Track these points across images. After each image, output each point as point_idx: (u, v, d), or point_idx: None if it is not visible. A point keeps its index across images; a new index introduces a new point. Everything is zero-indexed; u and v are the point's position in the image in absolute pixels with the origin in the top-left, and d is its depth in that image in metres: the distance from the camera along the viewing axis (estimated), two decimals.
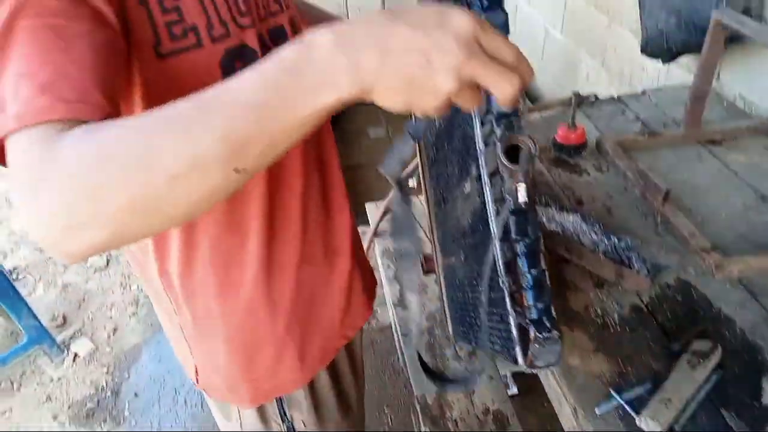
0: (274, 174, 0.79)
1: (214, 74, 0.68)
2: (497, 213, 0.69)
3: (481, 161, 0.72)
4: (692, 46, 1.61)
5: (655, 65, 2.06)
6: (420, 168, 1.21)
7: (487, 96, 0.63)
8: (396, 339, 1.54)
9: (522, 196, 0.66)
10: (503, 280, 0.70)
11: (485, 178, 0.72)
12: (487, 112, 0.71)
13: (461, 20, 0.42)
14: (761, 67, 1.59)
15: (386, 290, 1.58)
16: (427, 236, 1.37)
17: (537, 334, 0.65)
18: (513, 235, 0.67)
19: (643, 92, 1.78)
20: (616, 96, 1.77)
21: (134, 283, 2.73)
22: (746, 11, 1.45)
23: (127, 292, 2.69)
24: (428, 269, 1.39)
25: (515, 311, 0.69)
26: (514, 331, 0.70)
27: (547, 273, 0.68)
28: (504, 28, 0.63)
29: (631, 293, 1.09)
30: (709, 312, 1.04)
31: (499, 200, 0.69)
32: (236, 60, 0.69)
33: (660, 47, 1.70)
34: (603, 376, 0.95)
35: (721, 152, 1.46)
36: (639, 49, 1.79)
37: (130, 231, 0.47)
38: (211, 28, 0.66)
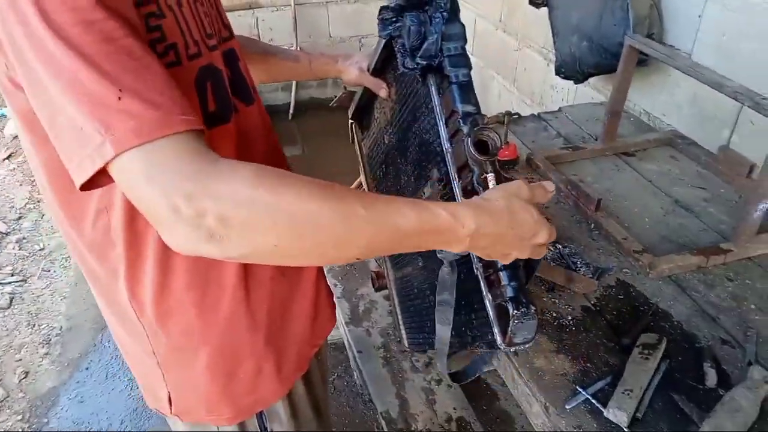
0: None
1: (190, 89, 0.72)
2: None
3: (449, 158, 0.80)
4: (602, 68, 1.78)
5: (563, 85, 2.24)
6: (365, 185, 1.24)
7: (452, 97, 0.74)
8: (351, 357, 1.55)
9: (492, 185, 0.74)
10: (476, 267, 0.76)
11: (453, 174, 0.79)
12: (451, 113, 0.79)
13: (543, 237, 0.67)
14: (662, 85, 1.78)
15: (337, 308, 1.59)
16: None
17: (515, 310, 0.71)
18: None
19: (560, 110, 1.93)
20: (536, 113, 1.91)
21: (43, 321, 2.53)
22: (650, 36, 1.62)
23: (36, 332, 2.49)
24: (379, 286, 1.41)
25: (492, 294, 0.75)
26: (491, 313, 0.75)
27: None
28: (462, 38, 0.78)
29: (580, 296, 1.19)
30: (649, 307, 1.16)
31: (469, 191, 0.76)
32: (207, 79, 0.74)
33: (573, 69, 1.86)
34: (567, 374, 1.03)
35: (635, 162, 1.62)
36: (547, 69, 1.95)
37: (258, 259, 0.58)
38: (187, 47, 0.70)
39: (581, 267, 1.23)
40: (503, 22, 2.64)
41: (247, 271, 0.84)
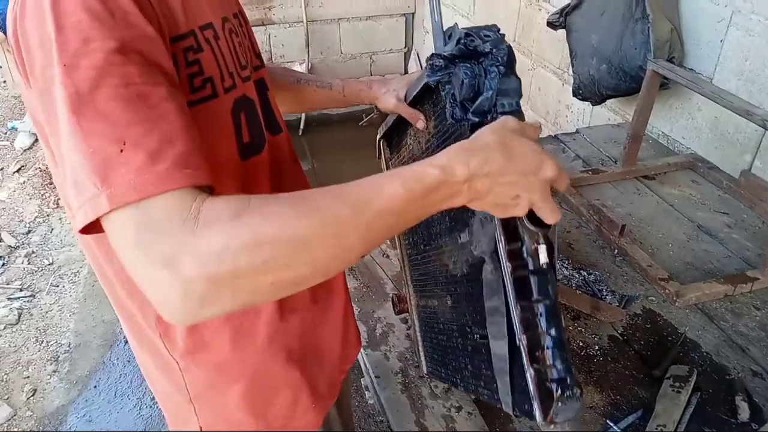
0: None
1: (227, 122, 0.71)
2: (513, 275, 0.72)
3: (496, 221, 0.75)
4: (622, 91, 1.77)
5: (578, 105, 2.23)
6: None
7: None
8: (369, 381, 1.52)
9: (543, 257, 0.68)
10: (519, 338, 0.72)
11: (499, 236, 0.74)
12: None
13: (551, 170, 0.58)
14: (682, 109, 1.77)
15: None
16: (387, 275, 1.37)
17: (561, 392, 0.67)
18: (534, 296, 0.69)
19: (577, 131, 1.92)
20: (553, 135, 1.90)
21: (51, 337, 2.51)
22: (670, 60, 1.61)
23: (44, 348, 2.47)
24: (400, 310, 1.39)
25: (534, 369, 0.71)
26: (532, 387, 0.71)
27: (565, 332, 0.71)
28: (518, 93, 0.72)
29: (606, 324, 1.16)
30: (677, 337, 1.13)
31: (519, 264, 0.72)
32: (241, 110, 0.73)
33: (591, 91, 1.85)
34: (596, 406, 1.00)
35: (655, 186, 1.60)
36: (562, 89, 1.94)
37: (261, 300, 0.55)
38: (222, 80, 0.69)
39: (607, 294, 1.21)
40: (517, 41, 2.64)
41: (281, 299, 0.82)
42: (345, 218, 0.53)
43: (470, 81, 0.74)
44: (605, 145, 1.81)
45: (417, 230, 1.15)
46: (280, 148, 0.84)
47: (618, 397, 1.02)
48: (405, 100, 0.96)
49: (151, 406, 2.21)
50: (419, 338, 1.35)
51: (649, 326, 1.16)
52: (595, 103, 1.88)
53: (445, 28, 0.83)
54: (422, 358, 1.38)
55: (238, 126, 0.72)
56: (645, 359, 1.09)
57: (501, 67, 0.73)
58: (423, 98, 0.93)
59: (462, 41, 0.77)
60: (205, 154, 0.56)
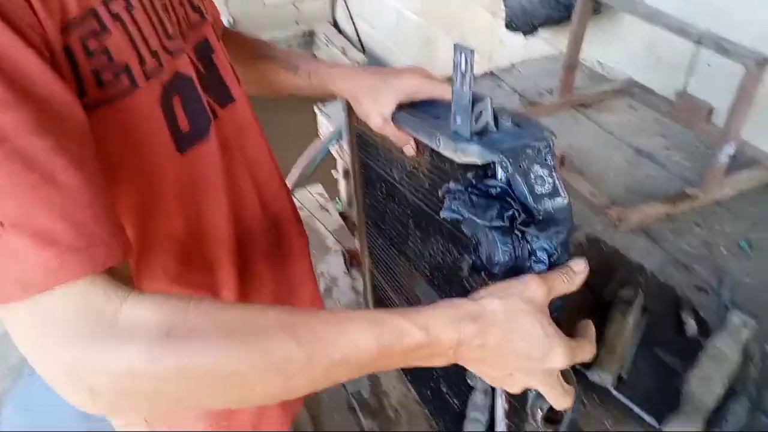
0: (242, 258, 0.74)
1: (155, 116, 0.57)
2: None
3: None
4: (554, 20, 1.72)
5: (513, 41, 2.17)
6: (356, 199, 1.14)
7: None
8: None
9: None
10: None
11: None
12: None
13: (559, 360, 0.50)
14: (614, 34, 1.74)
15: None
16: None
17: None
18: None
19: (512, 66, 1.86)
20: (488, 71, 1.84)
21: None
22: None
23: None
24: (352, 265, 1.32)
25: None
26: None
27: None
28: (564, 247, 0.58)
29: None
30: (622, 262, 1.12)
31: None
32: (173, 93, 0.59)
33: (523, 23, 1.79)
34: None
35: (593, 114, 1.58)
36: (496, 25, 1.88)
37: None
38: (143, 64, 0.54)
39: None
40: None
41: (242, 296, 0.74)
42: (298, 362, 0.45)
43: (510, 256, 0.58)
44: (541, 78, 1.77)
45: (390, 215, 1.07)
46: (233, 121, 0.70)
47: (569, 328, 0.99)
48: (393, 121, 0.77)
49: None
50: (371, 301, 1.30)
51: (594, 254, 1.14)
52: (527, 33, 1.83)
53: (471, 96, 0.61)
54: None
55: (171, 116, 0.58)
56: (592, 287, 1.06)
57: (555, 252, 0.57)
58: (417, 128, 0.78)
59: (505, 168, 0.58)
60: (113, 205, 0.46)
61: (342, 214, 1.72)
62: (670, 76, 1.54)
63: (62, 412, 2.01)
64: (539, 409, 0.64)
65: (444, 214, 0.64)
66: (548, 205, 0.58)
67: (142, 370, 0.41)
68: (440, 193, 0.67)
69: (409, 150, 0.79)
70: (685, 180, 1.33)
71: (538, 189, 0.58)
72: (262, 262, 0.77)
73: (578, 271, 0.55)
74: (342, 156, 1.55)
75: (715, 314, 1.01)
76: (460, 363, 0.52)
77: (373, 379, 1.28)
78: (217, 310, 0.45)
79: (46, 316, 0.41)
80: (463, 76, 0.60)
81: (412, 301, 1.04)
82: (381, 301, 1.25)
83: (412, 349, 0.48)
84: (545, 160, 0.59)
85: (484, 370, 0.53)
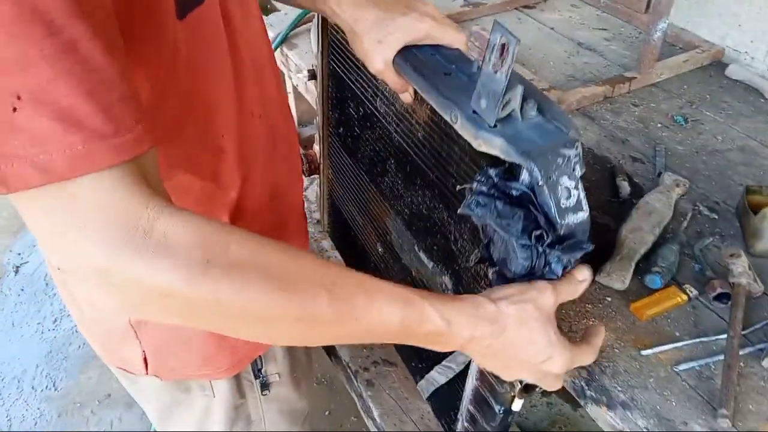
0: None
1: (218, 21, 0.59)
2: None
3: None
4: None
5: None
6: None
7: None
8: None
9: (516, 407, 0.74)
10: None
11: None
12: None
13: (557, 367, 0.57)
14: None
15: None
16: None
17: None
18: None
19: None
20: None
21: None
22: None
23: None
24: (310, 170, 1.31)
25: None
26: None
27: None
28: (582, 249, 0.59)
29: None
30: None
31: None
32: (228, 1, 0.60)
33: None
34: None
35: (536, 14, 1.58)
36: None
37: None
38: None
39: None
40: None
41: (239, 209, 0.72)
42: (326, 320, 0.46)
43: (526, 269, 0.58)
44: None
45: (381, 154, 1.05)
46: None
47: None
48: (395, 66, 0.70)
49: (53, 329, 2.08)
50: (325, 207, 1.30)
51: None
52: None
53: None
54: (325, 219, 1.33)
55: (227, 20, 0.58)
56: None
57: (569, 265, 0.59)
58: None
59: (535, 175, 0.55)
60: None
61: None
62: None
63: (26, 352, 1.99)
64: (519, 382, 0.68)
65: (464, 211, 0.62)
66: (571, 219, 0.57)
67: (176, 290, 0.40)
68: (458, 188, 0.64)
69: (407, 98, 0.75)
70: (624, 67, 1.35)
71: (564, 203, 0.56)
72: (260, 159, 0.75)
73: (582, 279, 0.59)
74: (288, 66, 1.53)
75: (649, 180, 1.04)
76: (465, 353, 0.57)
77: None
78: (257, 247, 0.44)
79: (72, 207, 0.38)
80: (501, 61, 0.55)
81: (377, 226, 1.04)
82: (336, 210, 1.25)
83: (430, 335, 0.52)
84: (573, 170, 0.57)
85: (485, 361, 0.59)
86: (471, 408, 0.85)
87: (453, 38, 0.70)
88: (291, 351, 0.93)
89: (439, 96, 0.65)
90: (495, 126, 0.58)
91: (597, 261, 0.90)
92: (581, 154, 0.58)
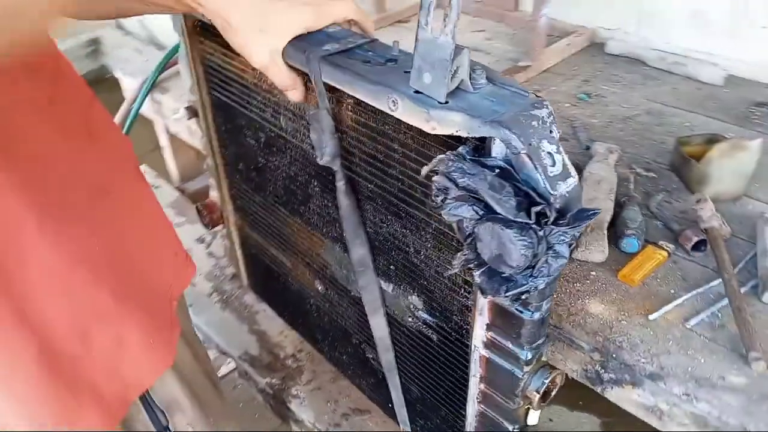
0: None
1: None
2: None
3: None
4: None
5: None
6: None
7: None
8: None
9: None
10: None
11: None
12: None
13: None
14: None
15: None
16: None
17: None
18: None
19: None
20: None
21: None
22: None
23: None
24: (212, 222, 1.14)
25: None
26: None
27: None
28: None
29: None
30: None
31: None
32: None
33: None
34: None
35: (412, 27, 1.56)
36: None
37: None
38: None
39: None
40: None
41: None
42: None
43: (526, 257, 0.47)
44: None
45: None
46: None
47: None
48: (285, 58, 0.59)
49: None
50: (240, 259, 1.13)
51: None
52: None
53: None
54: (242, 272, 1.17)
55: None
56: None
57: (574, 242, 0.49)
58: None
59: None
60: None
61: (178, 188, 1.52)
62: None
63: None
64: (535, 392, 0.62)
65: (448, 216, 0.50)
66: (563, 188, 0.47)
67: None
68: (424, 172, 0.52)
69: (297, 95, 0.63)
70: (512, 61, 1.35)
71: (551, 170, 0.47)
72: None
73: None
74: (162, 114, 1.36)
75: (580, 154, 1.02)
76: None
77: (260, 334, 1.13)
78: None
79: None
80: (444, 21, 0.46)
81: (311, 262, 0.90)
82: (254, 258, 1.10)
83: None
84: (551, 132, 0.49)
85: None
86: None
87: (361, 23, 0.62)
88: (197, 395, 0.75)
89: (368, 84, 0.55)
90: (446, 102, 0.50)
91: None
92: (554, 113, 0.50)
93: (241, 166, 0.95)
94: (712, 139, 0.95)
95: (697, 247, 0.79)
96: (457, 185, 0.50)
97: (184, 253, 0.75)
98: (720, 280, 0.74)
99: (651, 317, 0.71)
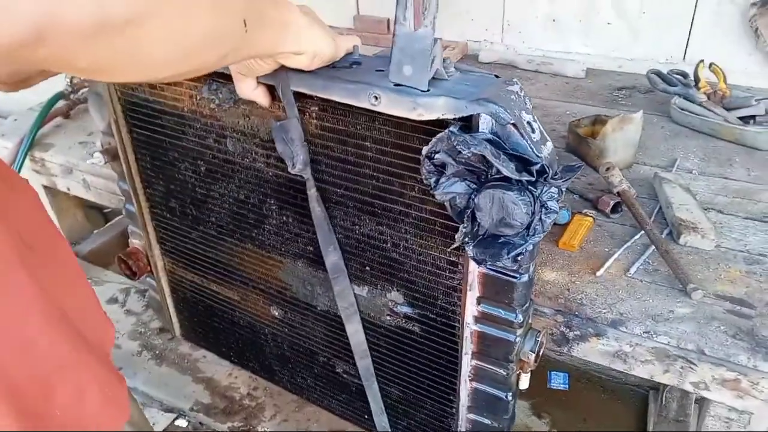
0: None
1: None
2: None
3: None
4: None
5: None
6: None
7: None
8: None
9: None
10: None
11: None
12: None
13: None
14: None
15: None
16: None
17: None
18: None
19: None
20: None
21: None
22: None
23: None
24: (138, 272, 1.05)
25: None
26: None
27: None
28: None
29: None
30: None
31: None
32: None
33: None
34: None
35: None
36: None
37: None
38: None
39: None
40: None
41: None
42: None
43: (528, 215, 0.55)
44: None
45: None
46: None
47: None
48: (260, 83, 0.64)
49: None
50: (170, 305, 1.07)
51: None
52: None
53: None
54: (174, 321, 1.10)
55: None
56: None
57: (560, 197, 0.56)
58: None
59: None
60: None
61: None
62: (343, 5, 1.65)
63: None
64: (530, 352, 0.68)
65: (440, 197, 0.57)
66: (545, 152, 0.55)
67: None
68: (425, 151, 0.56)
69: (264, 100, 0.65)
70: None
71: (534, 137, 0.54)
72: None
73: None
74: (47, 172, 1.25)
75: None
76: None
77: (207, 381, 1.07)
78: None
79: None
80: (423, 12, 0.51)
81: (267, 288, 0.88)
82: (188, 303, 1.04)
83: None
84: (526, 104, 0.56)
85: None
86: (472, 416, 0.77)
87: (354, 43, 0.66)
88: None
89: (345, 84, 0.59)
90: (428, 90, 0.55)
91: None
92: (522, 87, 0.58)
93: (173, 203, 0.91)
94: (597, 120, 1.08)
95: (614, 209, 0.90)
96: (455, 161, 0.54)
97: (102, 309, 0.71)
98: (642, 232, 0.85)
99: (598, 274, 0.80)
